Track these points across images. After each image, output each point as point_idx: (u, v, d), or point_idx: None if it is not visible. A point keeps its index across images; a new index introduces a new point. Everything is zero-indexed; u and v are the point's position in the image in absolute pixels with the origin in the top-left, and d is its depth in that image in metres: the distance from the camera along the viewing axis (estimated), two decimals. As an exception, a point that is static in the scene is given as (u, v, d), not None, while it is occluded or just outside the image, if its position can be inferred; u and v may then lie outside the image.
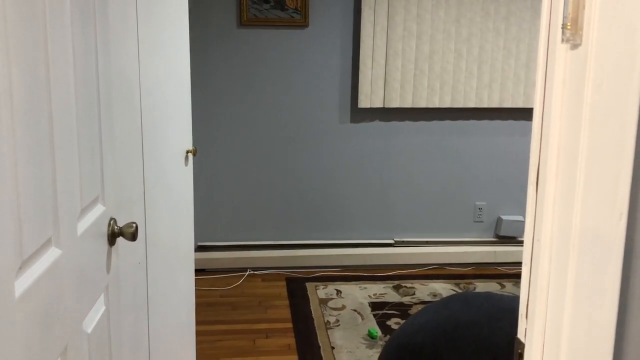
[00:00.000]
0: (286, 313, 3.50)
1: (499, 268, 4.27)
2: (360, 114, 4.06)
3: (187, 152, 2.28)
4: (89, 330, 1.36)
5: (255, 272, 4.06)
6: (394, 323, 3.37)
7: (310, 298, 3.69)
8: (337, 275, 4.05)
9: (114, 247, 1.56)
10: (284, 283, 3.92)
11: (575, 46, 0.74)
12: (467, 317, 1.44)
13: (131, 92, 1.82)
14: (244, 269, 4.07)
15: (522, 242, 4.32)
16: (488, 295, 1.47)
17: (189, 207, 2.34)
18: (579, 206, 0.74)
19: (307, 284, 3.90)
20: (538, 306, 0.82)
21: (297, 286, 3.87)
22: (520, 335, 0.88)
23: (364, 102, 3.96)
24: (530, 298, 0.84)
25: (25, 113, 0.99)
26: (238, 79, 3.93)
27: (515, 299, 1.47)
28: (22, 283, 0.99)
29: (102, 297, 1.47)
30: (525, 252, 0.86)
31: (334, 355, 3.03)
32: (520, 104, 4.06)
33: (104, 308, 1.48)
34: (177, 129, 2.22)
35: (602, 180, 0.72)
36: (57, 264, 1.14)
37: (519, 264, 4.31)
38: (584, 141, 0.73)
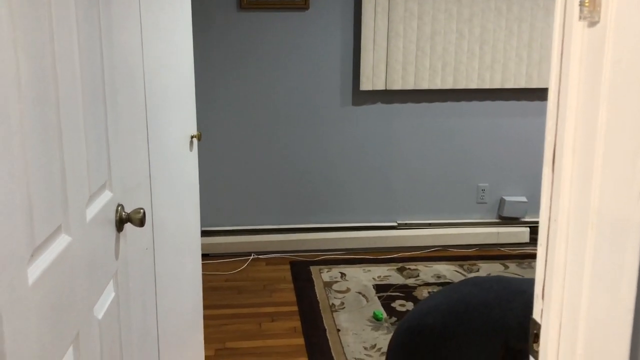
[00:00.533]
0: (291, 296, 3.51)
1: (501, 249, 4.28)
2: (362, 97, 4.04)
3: (192, 137, 2.27)
4: (100, 317, 1.36)
5: (259, 257, 4.07)
6: (398, 305, 3.38)
7: (314, 281, 3.70)
8: (341, 259, 4.06)
9: (122, 234, 1.55)
10: (288, 267, 3.93)
11: (592, 24, 0.73)
12: (477, 300, 1.43)
13: (134, 77, 1.81)
14: (248, 254, 4.08)
15: (525, 223, 4.33)
16: (498, 279, 1.46)
17: (194, 192, 2.34)
18: (597, 185, 0.73)
19: (312, 268, 3.90)
20: (555, 286, 0.82)
21: (301, 270, 3.88)
22: (535, 316, 0.88)
23: (365, 85, 3.94)
24: (546, 278, 0.84)
25: (33, 99, 0.98)
26: (239, 62, 3.91)
27: (526, 281, 1.47)
28: (35, 271, 0.99)
29: (111, 283, 1.47)
30: (541, 233, 0.86)
31: (339, 337, 3.04)
32: (522, 84, 4.04)
33: (113, 294, 1.48)
34: (181, 113, 2.21)
35: (620, 159, 0.71)
36: (68, 251, 1.13)
37: (522, 244, 4.32)
38: (602, 119, 0.72)
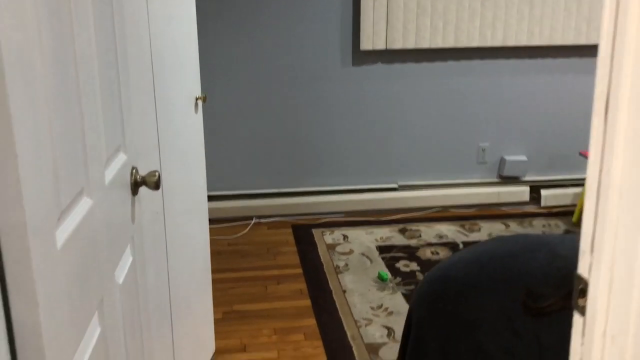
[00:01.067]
0: (295, 259, 3.50)
1: (502, 208, 4.29)
2: (362, 57, 3.98)
3: (197, 99, 2.22)
4: (120, 281, 1.34)
5: (261, 221, 4.05)
6: (402, 265, 3.39)
7: (317, 244, 3.70)
8: (342, 221, 4.05)
9: (136, 197, 1.52)
10: (290, 230, 3.92)
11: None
12: (502, 251, 1.42)
13: (141, 36, 1.75)
14: (250, 218, 4.06)
15: (525, 182, 4.33)
16: (525, 234, 1.45)
17: (200, 155, 2.30)
18: (657, 135, 0.71)
19: (314, 230, 3.90)
20: (606, 241, 0.80)
21: (303, 233, 3.87)
22: (582, 271, 0.87)
23: (365, 44, 3.87)
24: (596, 232, 0.82)
25: (54, 60, 0.94)
26: (239, 24, 3.82)
27: (552, 235, 1.45)
28: (62, 234, 0.96)
29: (128, 248, 1.45)
30: (590, 185, 0.84)
31: (346, 298, 3.05)
32: (524, 41, 3.98)
33: (131, 259, 1.45)
34: (186, 74, 2.15)
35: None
36: (91, 214, 1.10)
37: (522, 203, 4.33)
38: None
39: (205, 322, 2.46)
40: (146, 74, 1.81)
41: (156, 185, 1.50)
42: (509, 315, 1.34)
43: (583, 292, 0.88)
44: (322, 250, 3.60)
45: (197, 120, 2.26)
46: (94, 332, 1.12)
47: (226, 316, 2.90)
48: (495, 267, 1.38)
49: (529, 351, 1.21)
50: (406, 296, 3.06)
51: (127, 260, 1.42)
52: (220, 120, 3.94)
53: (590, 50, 4.14)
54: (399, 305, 2.98)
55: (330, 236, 3.81)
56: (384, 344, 2.67)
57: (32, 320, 0.84)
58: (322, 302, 3.02)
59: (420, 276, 3.26)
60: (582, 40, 4.03)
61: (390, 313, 2.91)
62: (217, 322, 2.85)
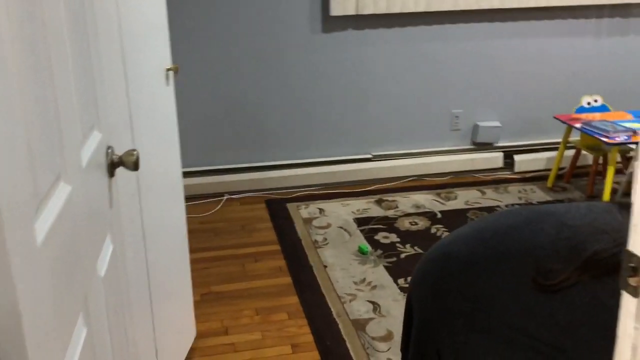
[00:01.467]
0: (271, 235, 3.40)
1: (476, 175, 4.25)
2: (332, 23, 3.84)
3: (168, 70, 2.07)
4: (102, 274, 1.21)
5: (233, 197, 3.92)
6: (382, 237, 3.32)
7: (293, 219, 3.60)
8: (317, 194, 3.95)
9: (113, 179, 1.39)
10: (263, 205, 3.80)
11: None
12: (505, 224, 1.32)
13: (107, 3, 1.59)
14: (221, 194, 3.93)
15: (498, 148, 4.30)
16: (527, 206, 1.35)
17: (173, 130, 2.16)
18: None
19: (288, 205, 3.79)
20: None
21: (278, 207, 3.76)
22: (633, 247, 0.78)
23: (335, 10, 3.73)
24: (655, 204, 0.74)
25: (23, 36, 0.80)
26: (199, -9, 3.63)
27: (558, 206, 1.36)
28: (42, 226, 0.83)
29: (108, 236, 1.32)
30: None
31: (327, 273, 2.97)
32: (496, 4, 3.90)
33: (111, 247, 1.33)
34: (156, 44, 2.00)
35: None
36: (70, 202, 0.97)
37: (496, 169, 4.30)
38: None
39: (185, 306, 2.35)
40: (114, 45, 1.66)
41: (135, 166, 1.37)
42: (518, 292, 1.25)
43: (635, 271, 0.79)
44: (299, 225, 3.50)
45: (169, 93, 2.11)
46: (80, 335, 0.99)
47: (204, 298, 2.79)
48: (499, 241, 1.28)
49: (545, 330, 1.12)
50: (388, 269, 2.99)
51: (107, 249, 1.29)
52: (185, 92, 3.76)
53: (561, 12, 4.09)
54: (382, 278, 2.91)
55: (306, 210, 3.71)
56: (370, 319, 2.60)
57: (15, 330, 0.71)
58: (303, 279, 2.93)
59: (401, 248, 3.20)
60: (554, 2, 3.97)
61: (374, 287, 2.84)
62: (195, 304, 2.73)
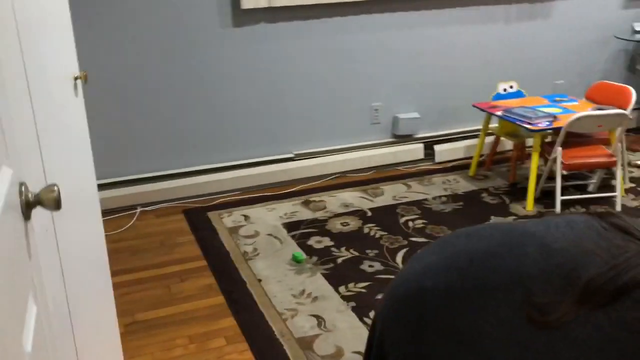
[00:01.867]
0: (195, 250, 3.13)
1: (399, 168, 4.16)
2: (243, 17, 3.60)
3: (76, 78, 1.77)
4: (29, 349, 0.94)
5: (147, 209, 3.60)
6: (315, 242, 3.14)
7: (217, 229, 3.34)
8: (239, 200, 3.71)
9: (29, 223, 1.11)
10: (182, 216, 3.51)
11: None
12: (480, 250, 1.13)
13: (1, 6, 1.29)
14: (134, 207, 3.59)
15: (418, 139, 4.23)
16: (491, 225, 1.17)
17: (86, 146, 1.86)
18: None
19: (209, 214, 3.52)
20: None
21: (198, 218, 3.48)
22: None
23: (246, 2, 3.49)
24: None
25: None
26: (94, -16, 3.26)
27: (533, 223, 1.18)
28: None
29: (31, 296, 1.04)
30: None
31: (263, 288, 2.75)
32: (410, -7, 3.81)
33: (35, 309, 1.05)
34: (61, 49, 1.69)
35: None
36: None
37: (418, 161, 4.24)
38: None
39: (111, 344, 2.05)
40: (14, 54, 1.35)
41: (57, 204, 1.10)
42: (511, 326, 1.05)
43: None
44: (224, 236, 3.25)
45: (78, 104, 1.81)
46: None
47: (129, 329, 2.50)
48: (479, 270, 1.10)
49: None
50: (327, 276, 2.82)
51: (31, 314, 1.02)
52: (94, 99, 3.38)
53: (473, 0, 4.07)
54: (322, 288, 2.74)
55: (229, 218, 3.46)
56: (316, 336, 2.41)
57: None
58: (237, 297, 2.69)
59: (336, 252, 3.03)
60: (466, -10, 3.94)
61: (315, 299, 2.66)
62: (121, 338, 2.43)
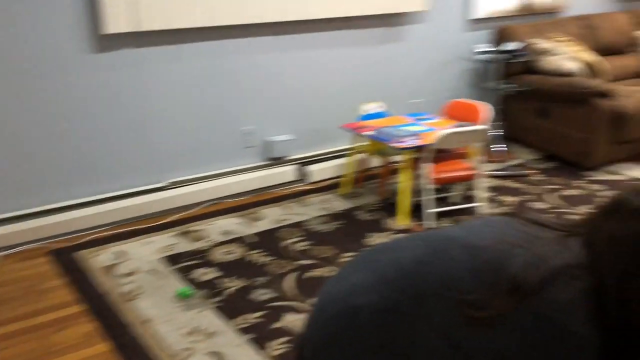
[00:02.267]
0: (68, 294, 2.88)
1: (275, 190, 4.15)
2: (106, 42, 3.40)
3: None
4: None
5: (6, 253, 3.25)
6: (200, 274, 3.03)
7: (90, 269, 3.10)
8: (110, 235, 3.48)
9: None
10: (48, 258, 3.22)
11: None
12: (405, 260, 1.18)
13: None
14: (-11, 252, 3.23)
15: (291, 160, 4.26)
16: (413, 236, 1.23)
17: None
18: None
19: (78, 253, 3.26)
20: None
21: (66, 258, 3.21)
22: None
23: (106, 27, 3.30)
24: None
25: None
26: None
27: (451, 229, 1.26)
28: None
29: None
30: None
31: (151, 330, 2.59)
32: (277, 17, 3.83)
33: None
34: None
35: None
36: None
37: (292, 182, 4.26)
38: None
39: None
40: None
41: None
42: (446, 331, 1.11)
43: None
44: (99, 276, 3.03)
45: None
46: None
47: (4, 393, 2.23)
48: (409, 280, 1.13)
49: None
50: (219, 309, 2.72)
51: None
52: None
53: (338, 23, 4.19)
54: (215, 322, 2.63)
55: (102, 257, 3.23)
56: (217, 374, 2.32)
57: None
58: (124, 342, 2.51)
59: (226, 282, 2.94)
60: (332, 14, 4.05)
61: (210, 335, 2.55)
62: (-6, 404, 2.17)
